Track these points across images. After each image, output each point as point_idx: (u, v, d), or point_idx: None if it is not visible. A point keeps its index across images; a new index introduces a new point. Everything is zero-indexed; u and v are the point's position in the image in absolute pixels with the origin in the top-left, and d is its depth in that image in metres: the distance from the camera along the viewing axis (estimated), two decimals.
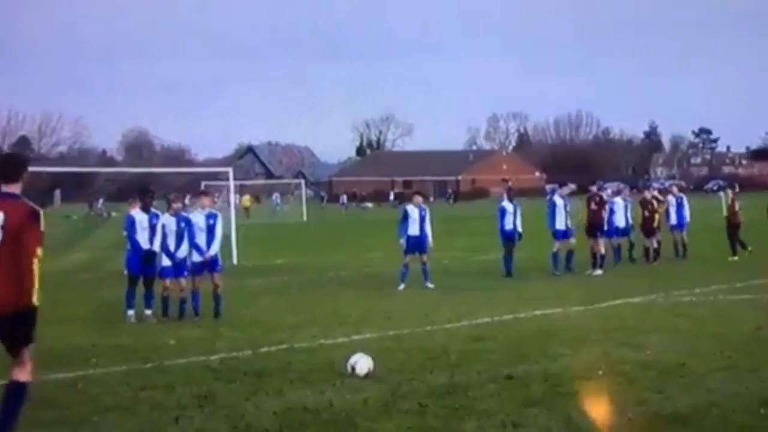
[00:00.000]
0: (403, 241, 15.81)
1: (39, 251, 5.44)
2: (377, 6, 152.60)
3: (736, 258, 19.65)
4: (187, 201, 14.31)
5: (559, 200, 18.13)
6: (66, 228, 33.79)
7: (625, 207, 19.83)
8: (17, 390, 5.58)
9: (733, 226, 20.33)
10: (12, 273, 5.40)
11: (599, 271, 17.59)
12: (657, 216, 19.88)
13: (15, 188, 5.57)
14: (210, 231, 12.45)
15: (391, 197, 76.25)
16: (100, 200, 59.47)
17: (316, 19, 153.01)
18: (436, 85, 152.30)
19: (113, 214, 49.87)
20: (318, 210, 62.04)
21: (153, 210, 12.60)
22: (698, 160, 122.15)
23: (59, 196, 65.30)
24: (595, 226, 18.12)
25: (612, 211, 19.23)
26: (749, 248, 20.06)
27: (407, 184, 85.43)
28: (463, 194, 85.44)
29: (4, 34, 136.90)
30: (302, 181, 64.10)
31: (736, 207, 20.47)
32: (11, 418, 5.55)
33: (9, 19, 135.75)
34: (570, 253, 17.75)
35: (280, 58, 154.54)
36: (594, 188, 18.86)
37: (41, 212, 5.59)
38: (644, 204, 20.03)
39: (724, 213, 20.64)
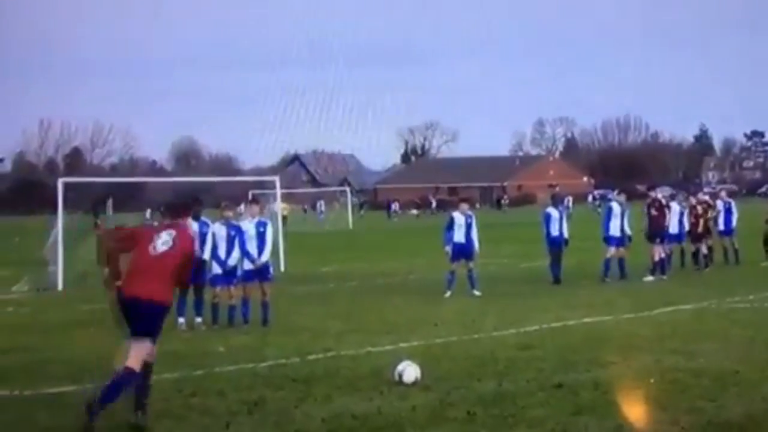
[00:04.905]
0: (448, 248, 15.79)
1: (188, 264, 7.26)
2: (421, 12, 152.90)
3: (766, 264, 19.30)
4: (241, 209, 14.48)
5: (616, 206, 17.90)
6: None
7: (680, 213, 19.49)
8: (129, 374, 6.72)
9: None
10: (167, 275, 6.95)
11: (650, 278, 17.33)
12: (702, 221, 19.55)
13: (183, 222, 7.44)
14: (260, 239, 12.59)
15: (433, 204, 75.98)
16: (148, 211, 60.49)
17: (360, 27, 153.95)
18: (481, 90, 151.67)
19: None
20: (360, 217, 62.17)
21: (202, 219, 12.79)
22: (751, 163, 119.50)
23: (111, 206, 66.66)
24: (655, 232, 17.87)
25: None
26: None
27: (452, 191, 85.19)
28: (509, 200, 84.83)
29: (55, 47, 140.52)
30: (347, 189, 64.33)
31: None
32: (115, 395, 6.66)
33: (59, 32, 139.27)
34: (622, 261, 17.51)
35: (324, 66, 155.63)
36: (653, 194, 18.76)
37: (194, 240, 7.64)
38: (690, 209, 19.75)
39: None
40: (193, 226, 12.58)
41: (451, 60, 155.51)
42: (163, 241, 7.02)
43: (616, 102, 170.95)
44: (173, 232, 7.12)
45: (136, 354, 6.81)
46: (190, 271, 7.45)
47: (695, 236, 19.46)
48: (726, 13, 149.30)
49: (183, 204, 7.71)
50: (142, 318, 6.86)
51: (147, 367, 6.94)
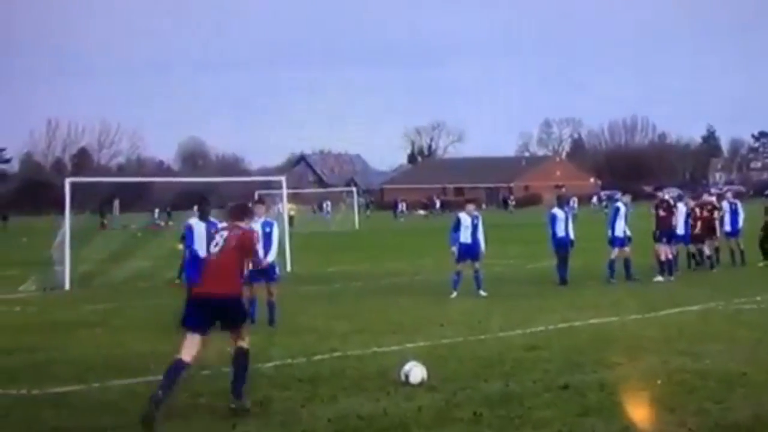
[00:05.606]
0: (454, 249, 15.78)
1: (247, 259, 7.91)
2: (427, 13, 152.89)
3: (763, 264, 19.27)
4: None
5: (622, 207, 17.87)
6: (125, 238, 34.73)
7: (687, 214, 19.45)
8: (244, 354, 7.58)
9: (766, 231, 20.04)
10: (231, 272, 7.57)
11: (660, 278, 17.30)
12: (700, 223, 19.54)
13: (243, 223, 7.98)
14: (267, 239, 12.60)
15: (437, 205, 75.90)
16: (156, 211, 60.56)
17: (367, 28, 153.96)
18: (487, 90, 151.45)
19: (170, 223, 50.79)
20: (366, 218, 62.14)
21: (210, 219, 12.80)
22: (758, 164, 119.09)
23: (118, 206, 66.79)
24: (663, 232, 17.84)
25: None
26: None
27: (459, 191, 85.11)
28: (515, 201, 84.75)
29: (62, 48, 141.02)
30: (354, 189, 64.36)
31: None
32: (244, 374, 7.52)
33: (66, 32, 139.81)
34: (627, 262, 17.47)
35: (331, 67, 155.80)
36: (660, 194, 18.78)
37: (254, 233, 8.25)
38: (690, 211, 19.75)
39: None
40: (200, 226, 12.62)
41: (457, 60, 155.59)
42: (215, 243, 7.76)
43: (623, 103, 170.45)
44: (225, 234, 7.78)
45: (244, 334, 7.67)
46: (252, 255, 8.02)
47: (694, 237, 19.47)
48: (734, 13, 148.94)
49: (239, 208, 8.21)
50: (215, 312, 7.54)
51: (182, 367, 7.27)
